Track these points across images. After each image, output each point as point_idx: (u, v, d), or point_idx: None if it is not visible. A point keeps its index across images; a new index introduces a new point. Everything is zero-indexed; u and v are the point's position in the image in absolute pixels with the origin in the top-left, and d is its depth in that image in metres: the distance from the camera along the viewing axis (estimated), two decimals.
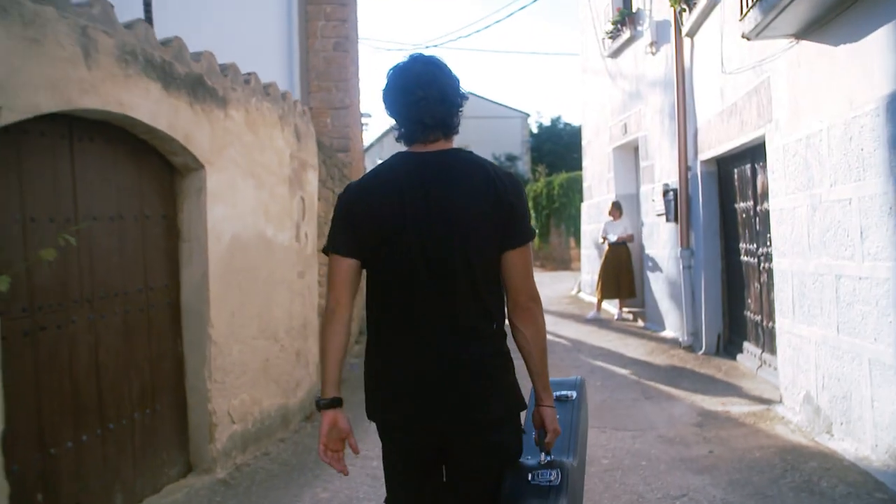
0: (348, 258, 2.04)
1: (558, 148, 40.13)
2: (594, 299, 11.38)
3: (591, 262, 12.38)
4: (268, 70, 8.21)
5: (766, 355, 6.50)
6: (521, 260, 2.02)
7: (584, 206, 13.10)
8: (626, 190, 11.04)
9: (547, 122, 43.59)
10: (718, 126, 6.96)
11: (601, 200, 11.62)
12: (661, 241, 9.10)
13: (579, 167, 14.40)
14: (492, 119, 49.66)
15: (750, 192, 6.72)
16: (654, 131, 9.23)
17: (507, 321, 2.11)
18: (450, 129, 2.08)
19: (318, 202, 6.64)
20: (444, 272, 1.97)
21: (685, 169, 8.05)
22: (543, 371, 2.09)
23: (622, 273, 10.38)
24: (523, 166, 39.60)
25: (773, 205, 5.45)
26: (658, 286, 9.26)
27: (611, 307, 11.10)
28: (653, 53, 9.08)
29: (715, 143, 7.15)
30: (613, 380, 6.87)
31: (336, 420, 2.05)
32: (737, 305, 7.41)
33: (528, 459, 2.09)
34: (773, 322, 6.22)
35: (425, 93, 2.00)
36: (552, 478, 1.99)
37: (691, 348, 7.96)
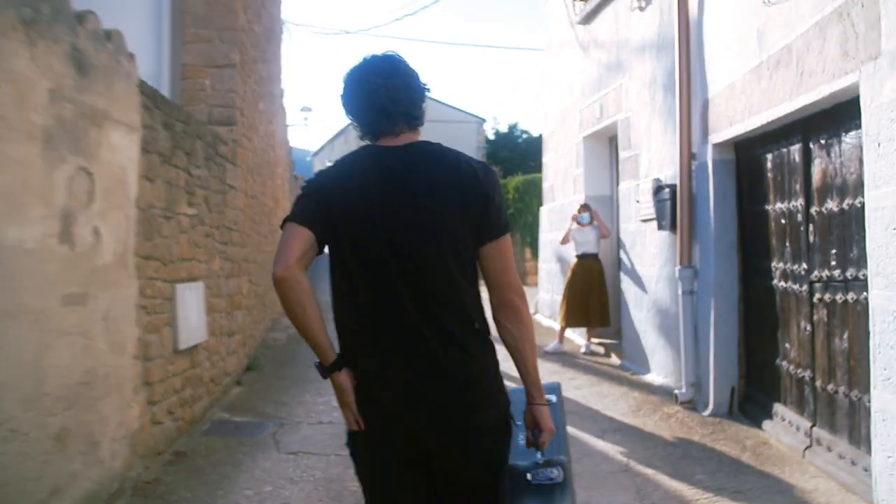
0: (304, 227, 1.87)
1: (514, 155, 38.79)
2: (555, 324, 9.15)
3: (551, 279, 10.15)
4: (123, 10, 5.83)
5: (821, 432, 4.30)
6: (501, 253, 1.93)
7: (544, 211, 10.87)
8: (598, 190, 8.84)
9: (504, 129, 42.55)
10: (750, 90, 4.77)
11: (566, 203, 9.40)
12: (647, 255, 6.89)
13: (538, 173, 12.20)
14: (446, 123, 47.61)
15: (798, 186, 4.54)
16: (640, 111, 7.04)
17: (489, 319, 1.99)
18: (414, 119, 1.96)
19: (143, 184, 4.26)
20: (418, 270, 1.85)
21: (688, 158, 5.86)
22: (534, 368, 2.00)
23: (593, 294, 8.16)
24: None
25: (876, 200, 3.25)
26: (642, 314, 7.05)
27: (576, 336, 8.88)
28: (640, 8, 6.90)
29: (740, 116, 4.97)
30: (589, 461, 4.59)
31: (349, 380, 1.92)
32: (762, 350, 5.23)
33: (519, 462, 1.96)
34: (839, 385, 4.03)
35: (385, 81, 1.91)
36: (553, 475, 1.91)
37: (692, 405, 5.75)
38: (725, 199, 5.54)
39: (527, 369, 1.99)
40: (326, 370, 1.92)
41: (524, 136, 41.70)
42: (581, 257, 8.24)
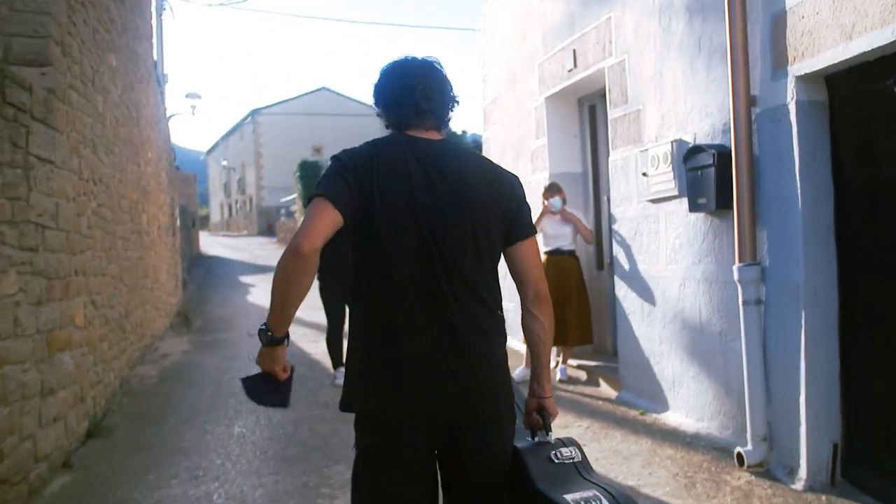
0: (337, 210, 1.82)
1: None
2: (518, 344, 7.11)
3: (504, 285, 8.14)
4: None
5: None
6: (533, 251, 2.02)
7: None
8: (566, 166, 6.88)
9: None
10: None
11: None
12: (664, 249, 4.97)
13: None
14: (350, 117, 45.46)
15: None
16: (643, 51, 5.11)
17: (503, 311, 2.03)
18: (443, 121, 2.03)
19: None
20: (453, 254, 1.88)
21: (746, 103, 3.95)
22: (549, 362, 2.05)
23: (571, 302, 6.20)
24: None
25: None
26: (654, 330, 5.13)
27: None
28: None
29: (873, 21, 3.08)
30: None
31: (282, 354, 1.93)
32: (887, 388, 3.39)
33: (525, 443, 1.98)
34: None
35: (425, 79, 1.98)
36: (573, 454, 1.94)
37: (764, 469, 3.87)
38: (815, 159, 3.66)
39: (546, 363, 2.02)
40: (273, 341, 1.88)
41: None
42: (553, 254, 6.26)
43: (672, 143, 4.70)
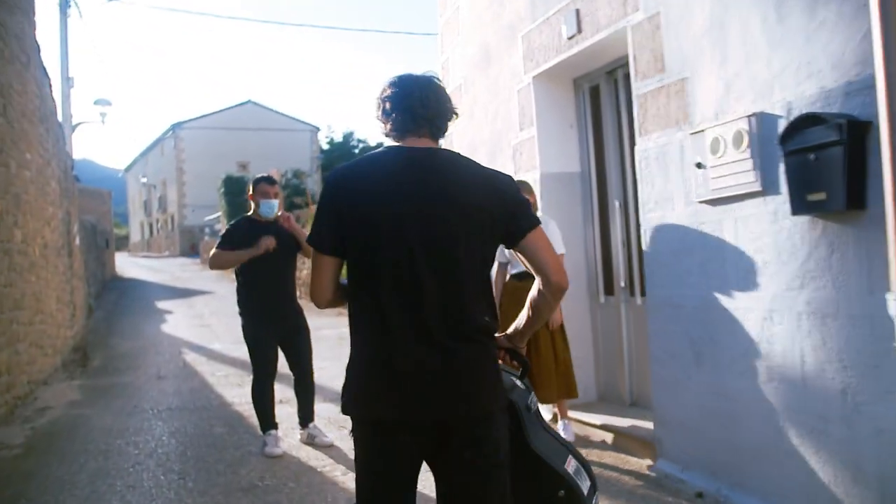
0: (330, 256, 2.03)
1: None
2: None
3: None
4: None
5: None
6: (540, 240, 2.01)
7: None
8: (560, 165, 5.44)
9: (339, 138, 40.10)
10: None
11: None
12: (734, 268, 3.55)
13: None
14: (278, 132, 43.72)
15: None
16: (689, 1, 3.74)
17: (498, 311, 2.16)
18: (439, 129, 2.08)
19: None
20: (443, 262, 1.92)
21: None
22: (539, 323, 2.13)
23: (543, 343, 4.71)
24: (313, 184, 34.37)
25: None
26: (718, 381, 3.70)
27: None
28: None
29: None
30: None
31: None
32: None
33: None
34: None
35: (422, 90, 2.05)
36: (533, 399, 2.17)
37: None
38: None
39: (535, 323, 2.13)
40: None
41: (361, 145, 38.99)
42: (518, 279, 4.74)
43: (750, 118, 3.32)
